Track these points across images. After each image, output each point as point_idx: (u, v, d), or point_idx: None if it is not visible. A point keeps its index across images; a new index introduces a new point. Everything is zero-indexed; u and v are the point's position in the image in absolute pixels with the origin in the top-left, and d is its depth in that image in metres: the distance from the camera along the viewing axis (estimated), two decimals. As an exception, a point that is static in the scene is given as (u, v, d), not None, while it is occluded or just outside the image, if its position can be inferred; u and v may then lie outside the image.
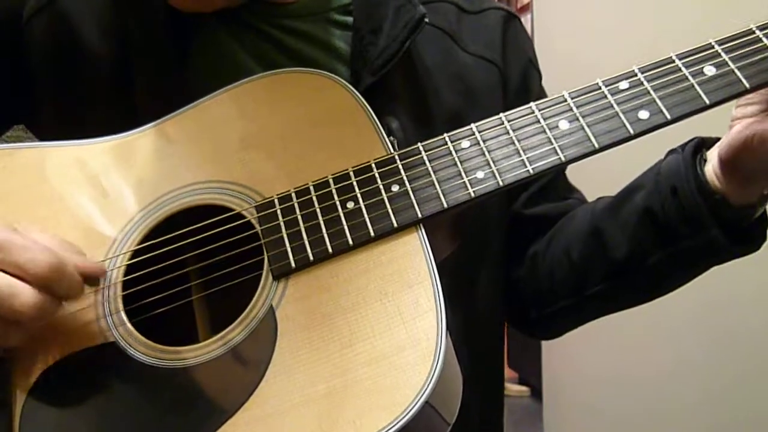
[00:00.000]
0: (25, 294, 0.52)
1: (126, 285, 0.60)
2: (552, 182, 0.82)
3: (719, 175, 0.63)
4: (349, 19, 0.75)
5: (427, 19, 0.72)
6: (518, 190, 0.81)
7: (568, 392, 1.88)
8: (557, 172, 0.83)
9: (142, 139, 0.66)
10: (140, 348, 0.57)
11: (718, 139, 0.65)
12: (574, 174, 0.86)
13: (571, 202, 0.83)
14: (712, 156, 0.64)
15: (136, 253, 0.61)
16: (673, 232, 0.66)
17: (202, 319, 0.64)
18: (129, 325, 0.58)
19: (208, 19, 0.73)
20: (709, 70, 0.56)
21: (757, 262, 1.29)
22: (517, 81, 0.81)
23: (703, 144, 0.67)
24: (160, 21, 0.70)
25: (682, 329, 1.47)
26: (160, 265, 0.60)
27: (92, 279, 0.58)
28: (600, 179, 0.87)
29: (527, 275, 0.80)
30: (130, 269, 0.61)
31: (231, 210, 0.61)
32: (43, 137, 0.75)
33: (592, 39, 1.65)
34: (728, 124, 0.63)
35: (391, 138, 0.63)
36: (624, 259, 0.70)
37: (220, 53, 0.73)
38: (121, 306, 0.59)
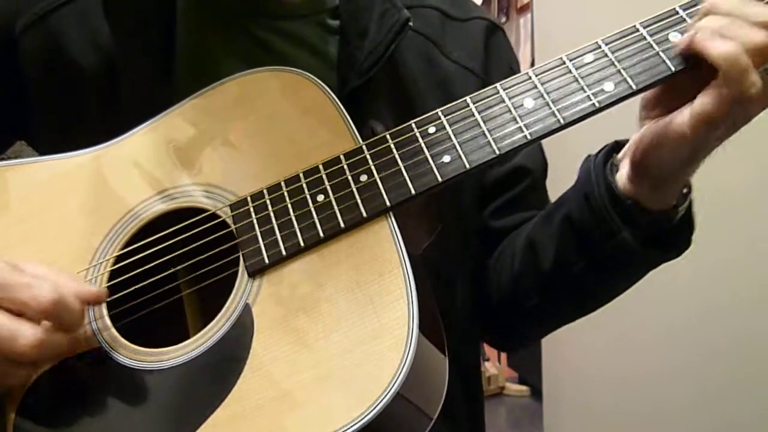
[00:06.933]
0: (27, 335, 0.53)
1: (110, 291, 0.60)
2: (523, 194, 0.80)
3: (632, 178, 0.61)
4: (337, 22, 0.75)
5: (411, 23, 0.72)
6: (490, 198, 0.79)
7: (568, 392, 1.87)
8: (530, 185, 0.80)
9: (119, 149, 0.66)
10: (123, 352, 0.58)
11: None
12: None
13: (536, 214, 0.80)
14: (624, 160, 0.63)
15: (118, 260, 0.61)
16: (589, 238, 0.65)
17: (192, 320, 0.64)
18: (113, 330, 0.59)
19: (200, 21, 0.73)
20: (674, 37, 0.56)
21: (756, 264, 1.27)
22: None
23: (617, 147, 0.65)
24: (151, 29, 0.71)
25: (682, 329, 1.46)
26: (140, 269, 0.61)
27: (93, 304, 0.59)
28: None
29: (482, 289, 0.79)
30: (113, 276, 0.61)
31: (207, 211, 0.61)
32: (40, 150, 0.76)
33: (592, 39, 1.64)
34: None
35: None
36: (551, 269, 0.69)
37: (209, 61, 0.73)
38: (105, 311, 0.59)
